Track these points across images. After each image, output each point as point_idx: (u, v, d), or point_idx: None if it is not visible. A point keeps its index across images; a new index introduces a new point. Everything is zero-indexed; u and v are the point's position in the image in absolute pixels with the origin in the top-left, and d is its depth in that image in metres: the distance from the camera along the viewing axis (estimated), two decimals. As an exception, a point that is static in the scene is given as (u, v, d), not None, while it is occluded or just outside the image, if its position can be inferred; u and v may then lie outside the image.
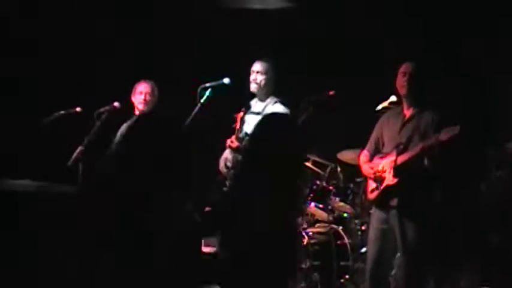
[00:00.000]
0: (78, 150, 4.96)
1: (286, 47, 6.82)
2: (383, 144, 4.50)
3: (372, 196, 4.39)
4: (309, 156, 6.02)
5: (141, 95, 5.46)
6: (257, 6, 7.20)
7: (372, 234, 4.43)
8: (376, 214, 4.42)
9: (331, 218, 5.89)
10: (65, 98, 5.67)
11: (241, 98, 5.13)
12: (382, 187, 4.29)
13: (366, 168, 4.52)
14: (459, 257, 6.34)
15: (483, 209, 6.10)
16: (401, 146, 4.24)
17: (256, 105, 5.07)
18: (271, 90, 5.04)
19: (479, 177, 6.16)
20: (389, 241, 4.30)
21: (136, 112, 5.51)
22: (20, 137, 6.39)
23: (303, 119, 4.44)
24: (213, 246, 6.41)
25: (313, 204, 6.03)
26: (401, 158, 4.21)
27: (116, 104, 5.43)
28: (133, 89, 5.53)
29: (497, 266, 5.86)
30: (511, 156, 5.93)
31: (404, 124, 4.39)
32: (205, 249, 7.10)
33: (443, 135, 4.04)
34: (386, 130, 4.51)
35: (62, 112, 5.29)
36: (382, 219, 4.35)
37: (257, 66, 5.03)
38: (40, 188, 5.59)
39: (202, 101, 4.75)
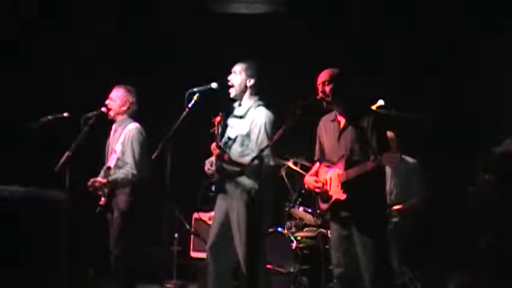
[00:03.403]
0: (65, 155, 4.94)
1: (276, 49, 6.84)
2: (325, 152, 4.48)
3: (323, 207, 4.39)
4: (297, 160, 6.03)
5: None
6: (244, 10, 7.23)
7: (333, 243, 4.45)
8: (332, 225, 4.44)
9: (319, 222, 5.90)
10: (52, 103, 5.66)
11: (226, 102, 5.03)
12: (331, 201, 4.31)
13: (309, 181, 4.50)
14: (447, 260, 6.36)
15: (471, 212, 6.12)
16: (348, 160, 4.23)
17: (238, 108, 4.85)
18: (250, 91, 4.80)
19: (467, 180, 6.19)
20: (352, 245, 4.30)
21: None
22: (8, 142, 6.38)
23: (291, 122, 4.37)
24: (203, 251, 6.41)
25: (301, 208, 6.03)
26: (350, 174, 4.21)
27: (103, 109, 5.44)
28: None
29: (485, 268, 5.87)
30: (499, 160, 5.95)
31: (340, 133, 4.37)
32: (193, 254, 7.11)
33: (385, 160, 4.06)
34: (325, 138, 4.47)
35: (50, 117, 5.28)
36: (339, 228, 4.36)
37: (233, 68, 4.84)
38: (28, 193, 5.59)
39: (190, 105, 4.73)
